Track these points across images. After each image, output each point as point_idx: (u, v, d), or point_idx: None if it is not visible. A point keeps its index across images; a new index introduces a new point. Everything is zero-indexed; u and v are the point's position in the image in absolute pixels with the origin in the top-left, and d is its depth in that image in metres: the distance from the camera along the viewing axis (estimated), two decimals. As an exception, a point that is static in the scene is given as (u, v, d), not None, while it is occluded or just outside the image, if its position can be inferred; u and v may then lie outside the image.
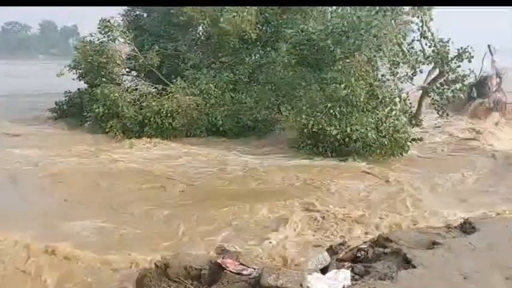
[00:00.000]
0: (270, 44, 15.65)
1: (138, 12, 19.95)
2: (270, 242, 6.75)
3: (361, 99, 12.22)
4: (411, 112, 14.18)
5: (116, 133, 15.24)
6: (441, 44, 14.16)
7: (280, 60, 14.04)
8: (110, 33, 16.72)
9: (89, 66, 16.55)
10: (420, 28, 14.34)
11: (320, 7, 15.08)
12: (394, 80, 13.83)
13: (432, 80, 14.72)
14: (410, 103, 14.18)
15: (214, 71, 16.01)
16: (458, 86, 14.54)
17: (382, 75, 13.64)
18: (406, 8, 14.02)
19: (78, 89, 18.41)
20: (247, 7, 14.67)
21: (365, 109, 12.42)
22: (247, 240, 6.96)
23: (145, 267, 4.80)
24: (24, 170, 11.37)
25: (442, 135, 15.68)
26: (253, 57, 16.23)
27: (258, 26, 15.06)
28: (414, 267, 3.50)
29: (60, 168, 11.43)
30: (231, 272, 3.57)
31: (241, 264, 3.75)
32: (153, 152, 13.70)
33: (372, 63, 12.90)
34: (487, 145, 14.06)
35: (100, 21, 16.80)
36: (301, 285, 3.14)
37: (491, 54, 19.97)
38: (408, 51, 14.14)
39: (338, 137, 12.11)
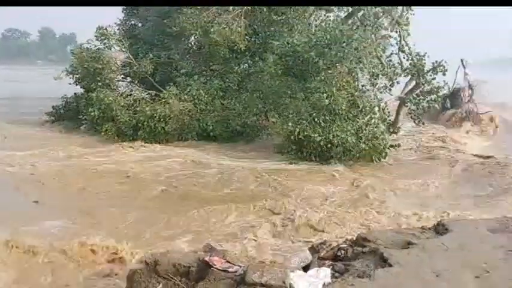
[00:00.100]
0: (258, 54, 15.67)
1: (133, 22, 19.95)
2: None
3: (343, 108, 12.31)
4: (389, 120, 14.27)
5: (110, 136, 15.14)
6: (418, 57, 14.32)
7: (268, 70, 14.04)
8: (106, 40, 16.65)
9: (86, 71, 16.41)
10: (398, 42, 14.52)
11: (305, 20, 15.10)
12: (373, 91, 13.94)
13: (409, 91, 14.86)
14: (389, 112, 14.27)
15: (205, 79, 15.97)
16: (433, 96, 14.69)
17: (363, 86, 13.75)
18: (386, 23, 14.19)
19: (75, 94, 18.25)
20: (237, 19, 14.67)
21: (346, 117, 12.48)
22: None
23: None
24: (4, 171, 10.98)
25: (416, 142, 15.65)
26: (242, 66, 16.25)
27: (247, 37, 15.07)
28: (390, 265, 3.50)
29: (41, 170, 11.07)
30: (217, 269, 3.54)
31: (228, 261, 3.72)
32: (137, 155, 13.40)
33: (353, 74, 13.01)
34: (457, 152, 14.06)
35: (97, 29, 16.71)
36: (284, 282, 3.13)
37: (464, 67, 20.33)
38: (387, 63, 14.27)
39: (321, 143, 12.14)
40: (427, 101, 14.73)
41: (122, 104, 15.49)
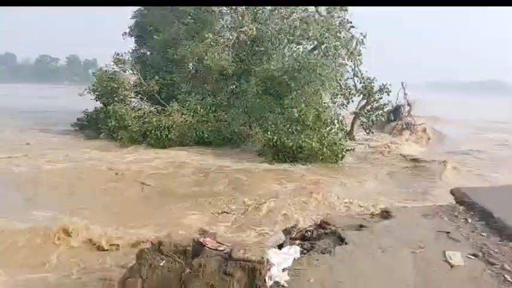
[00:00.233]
0: (243, 77, 15.64)
1: (143, 51, 19.84)
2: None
3: (310, 120, 12.40)
4: (346, 130, 14.42)
5: (124, 142, 14.97)
6: (368, 81, 14.56)
7: (251, 90, 14.07)
8: (121, 65, 16.62)
9: (104, 89, 16.25)
10: (353, 69, 14.73)
11: (280, 51, 15.13)
12: (333, 107, 14.10)
13: (361, 107, 15.10)
14: (346, 124, 14.39)
15: (201, 96, 15.86)
16: (380, 112, 14.95)
17: (325, 103, 13.84)
18: (343, 54, 14.36)
19: (95, 108, 17.94)
20: (226, 50, 14.64)
21: (312, 128, 12.57)
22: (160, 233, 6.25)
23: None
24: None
25: (366, 148, 15.58)
26: (230, 87, 16.18)
27: (234, 64, 15.06)
28: (346, 244, 3.50)
29: (44, 170, 10.65)
30: (209, 248, 3.49)
31: (218, 242, 3.68)
32: (144, 157, 13.01)
33: (318, 93, 13.10)
34: (397, 155, 14.19)
35: (114, 55, 16.58)
36: (262, 257, 3.11)
37: (404, 88, 20.71)
38: (344, 86, 14.46)
39: (293, 148, 12.21)
40: (376, 115, 14.98)
41: (134, 116, 15.33)
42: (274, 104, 13.43)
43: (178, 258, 3.53)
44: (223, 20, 16.60)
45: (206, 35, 14.45)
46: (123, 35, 19.88)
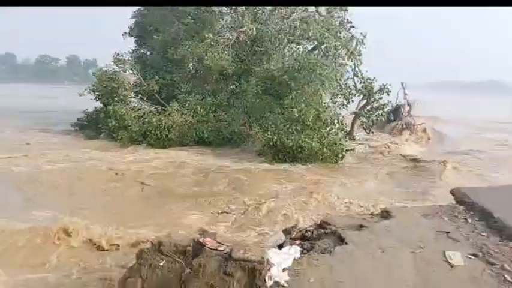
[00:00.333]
0: (243, 77, 15.65)
1: (143, 51, 19.81)
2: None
3: (310, 120, 12.38)
4: (346, 130, 14.41)
5: (124, 142, 14.95)
6: (368, 81, 14.54)
7: (251, 90, 14.06)
8: (121, 65, 16.60)
9: (104, 89, 16.23)
10: (353, 69, 14.71)
11: (280, 51, 15.14)
12: (333, 107, 14.08)
13: (361, 107, 15.09)
14: (346, 124, 14.36)
15: (201, 96, 15.86)
16: (380, 112, 14.93)
17: (325, 103, 13.82)
18: (343, 54, 14.35)
19: (95, 108, 17.93)
20: (226, 50, 14.63)
21: (312, 128, 12.56)
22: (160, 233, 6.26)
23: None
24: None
25: (366, 148, 15.53)
26: (230, 87, 16.20)
27: (234, 64, 15.06)
28: (346, 244, 3.50)
29: (44, 170, 10.60)
30: (209, 248, 3.49)
31: (218, 242, 3.68)
32: (144, 157, 12.94)
33: (318, 94, 13.09)
34: (397, 155, 14.16)
35: (114, 55, 16.56)
36: (262, 257, 3.11)
37: (404, 88, 20.70)
38: (344, 86, 14.44)
39: (293, 148, 12.20)
40: (376, 115, 14.97)
41: (134, 116, 15.31)
42: (274, 104, 13.42)
43: (178, 258, 3.53)
44: (223, 20, 16.60)
45: (206, 35, 14.45)
46: (123, 35, 19.87)
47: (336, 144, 12.45)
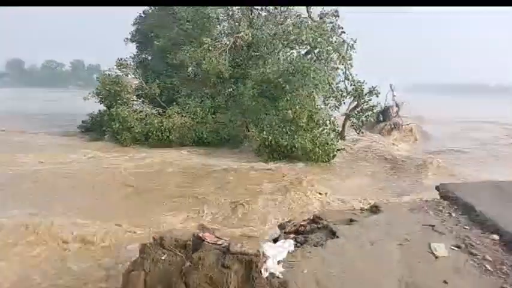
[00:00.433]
0: (239, 81, 15.63)
1: (144, 56, 19.78)
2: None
3: (303, 121, 12.39)
4: (338, 131, 14.43)
5: (127, 143, 14.92)
6: (358, 84, 14.54)
7: (247, 93, 14.05)
8: (124, 69, 16.50)
9: (108, 93, 16.14)
10: (344, 73, 14.72)
11: (275, 55, 15.13)
12: (326, 109, 14.08)
13: (352, 108, 15.08)
14: (337, 124, 14.36)
15: (200, 99, 15.85)
16: (369, 113, 14.95)
17: (318, 105, 13.81)
18: (335, 58, 14.35)
19: (99, 110, 17.86)
20: (223, 55, 14.61)
21: (306, 128, 12.58)
22: (141, 229, 6.36)
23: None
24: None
25: (356, 147, 15.44)
26: (228, 90, 16.21)
27: (231, 68, 15.04)
28: (338, 237, 3.52)
29: (35, 170, 10.44)
30: (208, 242, 3.50)
31: (216, 237, 3.69)
32: (132, 158, 12.81)
33: (311, 96, 13.08)
34: (386, 154, 14.16)
35: (117, 60, 16.50)
36: (258, 250, 3.13)
37: (392, 91, 20.79)
38: (336, 88, 14.43)
39: (288, 147, 12.22)
40: (365, 116, 14.98)
41: (136, 118, 15.28)
42: (269, 106, 13.43)
43: (179, 252, 3.54)
44: (220, 25, 16.58)
45: (204, 40, 14.42)
46: (125, 40, 19.84)
47: (327, 144, 12.48)
